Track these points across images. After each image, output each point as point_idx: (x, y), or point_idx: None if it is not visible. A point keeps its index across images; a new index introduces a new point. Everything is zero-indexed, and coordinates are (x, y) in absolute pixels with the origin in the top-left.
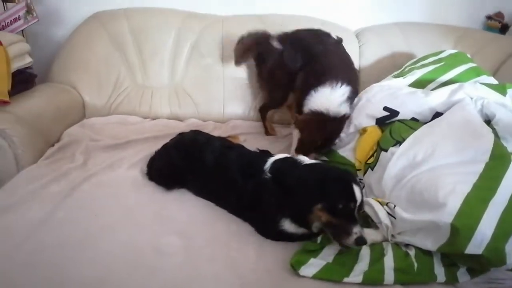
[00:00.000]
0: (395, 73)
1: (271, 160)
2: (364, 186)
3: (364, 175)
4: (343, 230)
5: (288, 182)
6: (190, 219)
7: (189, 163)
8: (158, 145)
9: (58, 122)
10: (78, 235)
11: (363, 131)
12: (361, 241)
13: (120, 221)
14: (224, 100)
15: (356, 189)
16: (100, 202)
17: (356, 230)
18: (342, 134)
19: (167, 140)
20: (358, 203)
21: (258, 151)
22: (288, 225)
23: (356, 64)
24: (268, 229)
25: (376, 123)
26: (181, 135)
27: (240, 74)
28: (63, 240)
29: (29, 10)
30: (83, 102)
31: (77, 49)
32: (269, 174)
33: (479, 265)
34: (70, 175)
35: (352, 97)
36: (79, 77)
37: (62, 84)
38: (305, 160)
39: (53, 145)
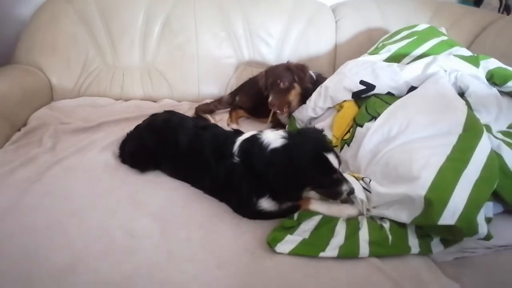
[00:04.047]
0: (370, 50)
1: (238, 142)
2: (340, 162)
3: (340, 151)
4: (335, 193)
5: (261, 169)
6: (165, 201)
7: (163, 144)
8: (131, 127)
9: (24, 106)
10: (47, 222)
11: (340, 107)
12: (351, 192)
13: (92, 206)
14: (199, 79)
15: (331, 157)
16: (70, 187)
17: (345, 187)
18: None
19: (139, 122)
20: (338, 168)
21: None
22: (266, 204)
23: (333, 40)
24: (244, 209)
25: (352, 97)
26: (154, 116)
27: (215, 52)
28: (31, 227)
29: None
30: (51, 84)
31: (42, 29)
32: (237, 158)
33: (452, 235)
34: (38, 159)
35: None
36: (45, 58)
37: (27, 65)
38: (269, 138)
39: (19, 130)
